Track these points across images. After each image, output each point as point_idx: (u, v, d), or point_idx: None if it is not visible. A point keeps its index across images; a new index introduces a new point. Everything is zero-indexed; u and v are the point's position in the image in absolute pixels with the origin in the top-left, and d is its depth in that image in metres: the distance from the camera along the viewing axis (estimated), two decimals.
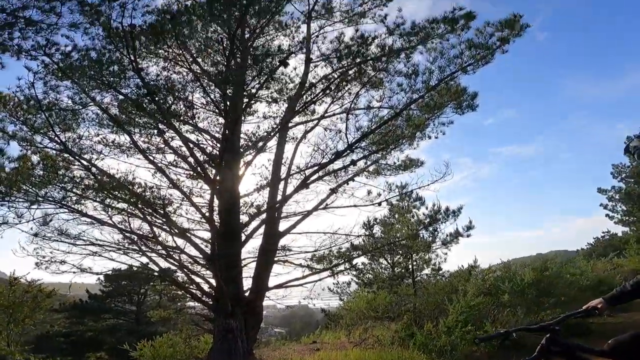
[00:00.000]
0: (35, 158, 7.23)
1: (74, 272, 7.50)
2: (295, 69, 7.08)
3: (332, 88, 6.58)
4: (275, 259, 7.42)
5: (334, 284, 12.22)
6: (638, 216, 16.34)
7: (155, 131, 6.54)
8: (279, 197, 6.82)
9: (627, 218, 16.95)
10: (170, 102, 6.30)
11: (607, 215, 17.50)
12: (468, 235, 8.28)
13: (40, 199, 6.97)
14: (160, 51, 7.10)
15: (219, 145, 6.70)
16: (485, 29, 6.40)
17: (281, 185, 6.95)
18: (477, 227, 8.86)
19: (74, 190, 6.94)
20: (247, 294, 7.25)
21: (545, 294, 9.37)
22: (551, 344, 2.02)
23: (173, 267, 8.79)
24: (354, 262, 8.23)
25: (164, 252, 7.33)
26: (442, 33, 6.49)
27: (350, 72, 6.36)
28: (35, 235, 7.25)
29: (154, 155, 7.00)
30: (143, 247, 7.29)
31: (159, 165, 6.72)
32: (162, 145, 6.86)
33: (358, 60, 6.29)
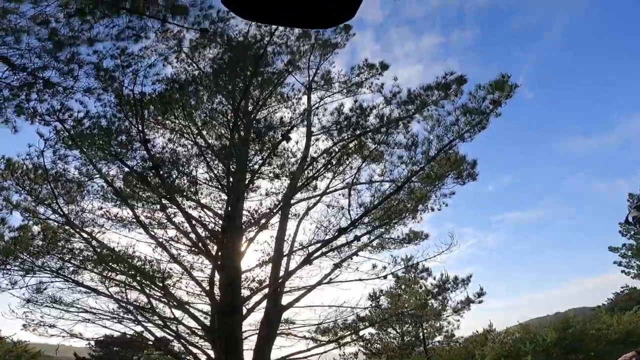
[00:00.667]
0: (36, 228, 7.21)
1: (63, 337, 7.22)
2: (297, 142, 7.24)
3: (334, 162, 6.68)
4: (278, 331, 7.05)
5: (340, 355, 11.53)
6: None
7: (158, 206, 6.55)
8: (281, 273, 6.64)
9: None
10: (174, 176, 6.37)
11: (622, 271, 17.54)
12: (480, 302, 7.93)
13: (36, 268, 6.84)
14: (167, 122, 7.35)
15: (220, 221, 6.67)
16: (477, 92, 6.53)
17: (284, 261, 6.80)
18: (489, 293, 8.54)
19: (72, 261, 6.82)
20: None
21: (572, 351, 8.81)
22: None
23: (169, 337, 8.38)
24: (361, 333, 7.80)
25: (160, 322, 7.01)
26: (436, 100, 6.68)
27: (351, 145, 6.49)
28: (28, 301, 7.05)
29: (155, 230, 6.96)
30: (139, 317, 7.02)
31: (160, 240, 6.66)
32: (164, 220, 6.85)
33: (358, 132, 6.43)
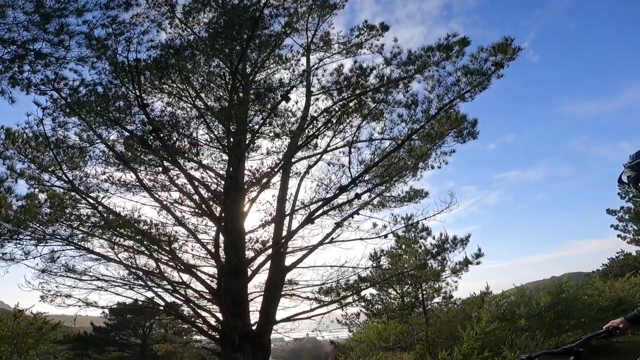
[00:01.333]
0: (42, 196, 7.34)
1: (79, 306, 7.50)
2: (297, 102, 7.23)
3: (334, 121, 6.67)
4: (282, 292, 7.30)
5: (342, 315, 11.98)
6: None
7: (161, 169, 6.62)
8: (284, 233, 6.79)
9: (639, 237, 16.65)
10: (174, 138, 6.41)
11: (619, 235, 17.34)
12: (478, 263, 8.13)
13: (47, 237, 7.00)
14: (164, 86, 7.29)
15: (223, 182, 6.74)
16: (479, 54, 6.41)
17: (286, 221, 6.93)
18: (488, 254, 8.74)
19: (81, 228, 6.98)
20: (254, 327, 7.10)
21: (564, 316, 9.09)
22: None
23: (179, 302, 8.69)
24: (363, 293, 8.07)
25: (169, 287, 7.26)
26: (438, 61, 6.57)
27: (351, 104, 6.46)
28: (43, 271, 7.26)
29: (159, 193, 7.06)
30: (149, 282, 7.25)
31: (165, 203, 6.77)
32: (167, 183, 6.92)
33: (358, 92, 6.39)
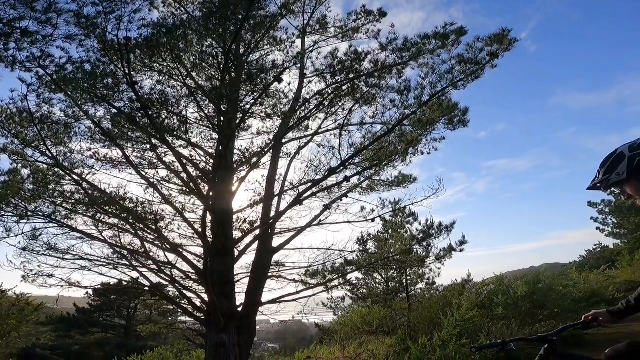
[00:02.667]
0: (25, 172, 7.17)
1: (61, 286, 7.39)
2: (289, 84, 7.19)
3: (326, 104, 6.66)
4: (269, 274, 7.36)
5: (328, 299, 12.18)
6: (628, 228, 16.65)
7: (148, 146, 6.52)
8: (272, 213, 6.81)
9: (617, 230, 17.27)
10: (164, 116, 6.31)
11: (597, 228, 17.92)
12: (461, 250, 8.34)
13: (29, 213, 6.87)
14: (155, 65, 7.12)
15: (212, 160, 6.68)
16: (475, 43, 6.49)
17: (275, 201, 6.96)
18: (472, 241, 8.94)
19: (64, 205, 6.86)
20: (240, 308, 7.16)
21: (539, 306, 9.43)
22: (550, 354, 2.04)
23: (164, 282, 8.67)
24: (348, 277, 8.20)
25: (155, 267, 7.22)
26: (433, 49, 6.60)
27: (344, 87, 6.46)
28: (24, 249, 7.12)
29: (146, 170, 6.96)
30: (134, 262, 7.18)
31: (152, 180, 6.68)
32: (155, 161, 6.83)
33: (351, 76, 6.38)
